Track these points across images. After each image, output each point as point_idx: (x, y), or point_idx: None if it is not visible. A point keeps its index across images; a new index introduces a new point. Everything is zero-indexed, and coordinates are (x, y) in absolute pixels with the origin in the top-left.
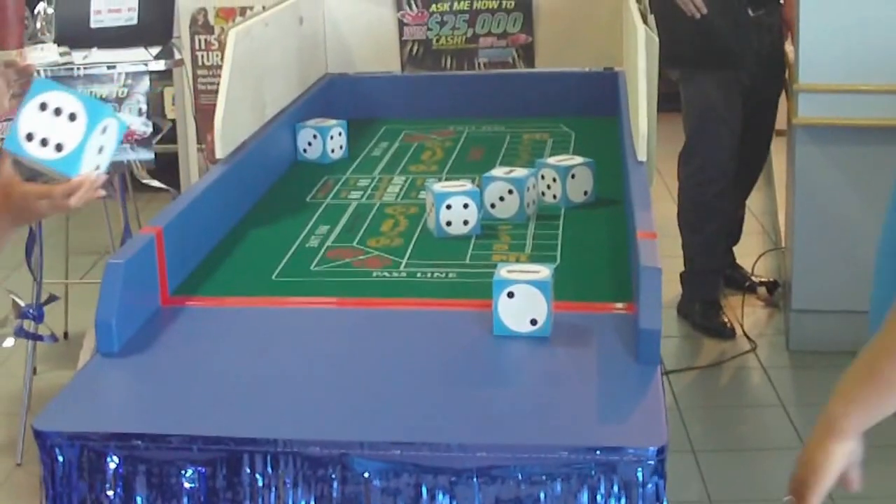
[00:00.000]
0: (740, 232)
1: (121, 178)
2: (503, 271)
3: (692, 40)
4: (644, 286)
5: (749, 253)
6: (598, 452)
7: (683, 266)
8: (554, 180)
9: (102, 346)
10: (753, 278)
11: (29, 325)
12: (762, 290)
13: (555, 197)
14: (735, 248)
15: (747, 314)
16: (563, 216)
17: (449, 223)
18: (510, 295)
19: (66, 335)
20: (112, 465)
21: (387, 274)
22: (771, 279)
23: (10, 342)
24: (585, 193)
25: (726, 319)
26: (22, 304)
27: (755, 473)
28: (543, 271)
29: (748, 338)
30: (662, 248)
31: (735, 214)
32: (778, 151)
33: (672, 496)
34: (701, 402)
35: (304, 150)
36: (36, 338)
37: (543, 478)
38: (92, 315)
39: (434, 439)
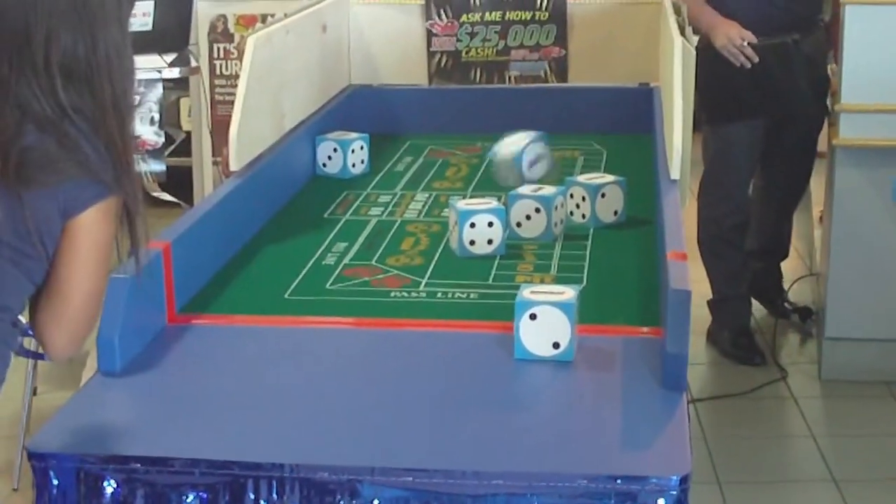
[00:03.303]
0: (786, 249)
1: None
2: (526, 292)
3: (738, 93)
4: (672, 309)
5: (783, 278)
6: (618, 481)
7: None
8: (583, 199)
9: (104, 364)
10: (786, 305)
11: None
12: (795, 317)
13: (584, 216)
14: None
15: (779, 342)
16: (591, 236)
17: (472, 242)
18: (532, 317)
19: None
20: (109, 490)
21: (405, 294)
22: (805, 305)
23: None
24: (616, 213)
25: (757, 346)
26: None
27: None
28: (568, 293)
29: (779, 366)
30: (694, 272)
31: (772, 231)
32: (816, 173)
33: None
34: (728, 432)
35: (324, 164)
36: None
37: None
38: (96, 333)
39: (448, 466)
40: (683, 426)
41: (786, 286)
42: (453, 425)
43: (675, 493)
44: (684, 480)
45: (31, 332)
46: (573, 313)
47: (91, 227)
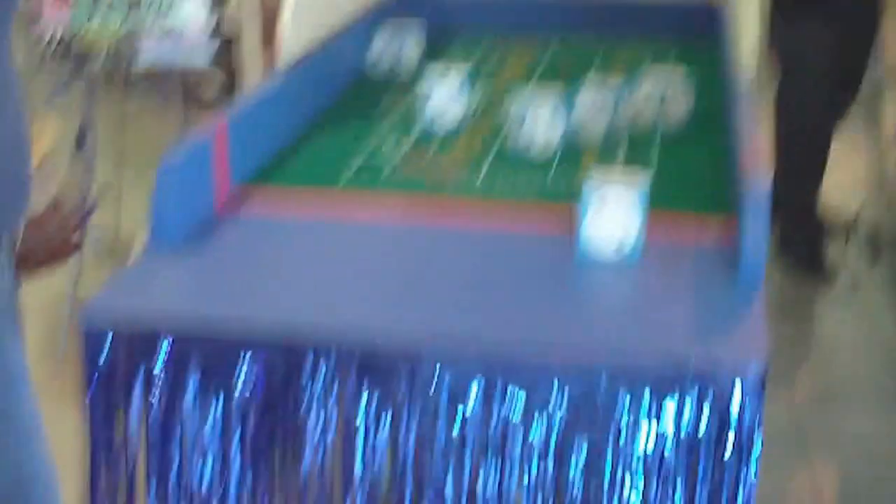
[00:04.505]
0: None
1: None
2: (594, 177)
3: None
4: (750, 209)
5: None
6: (691, 360)
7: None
8: (651, 98)
9: (155, 247)
10: (852, 223)
11: None
12: (860, 237)
13: (651, 115)
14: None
15: (848, 258)
16: (658, 136)
17: (532, 139)
18: (599, 201)
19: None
20: (160, 362)
21: (461, 190)
22: (869, 226)
23: None
24: (684, 113)
25: (826, 260)
26: None
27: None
28: (637, 179)
29: (844, 283)
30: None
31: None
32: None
33: None
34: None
35: (379, 56)
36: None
37: (629, 382)
38: (143, 219)
39: (512, 336)
40: (760, 320)
41: (858, 205)
42: (518, 302)
43: (751, 377)
44: (761, 365)
45: None
46: (642, 202)
47: None
